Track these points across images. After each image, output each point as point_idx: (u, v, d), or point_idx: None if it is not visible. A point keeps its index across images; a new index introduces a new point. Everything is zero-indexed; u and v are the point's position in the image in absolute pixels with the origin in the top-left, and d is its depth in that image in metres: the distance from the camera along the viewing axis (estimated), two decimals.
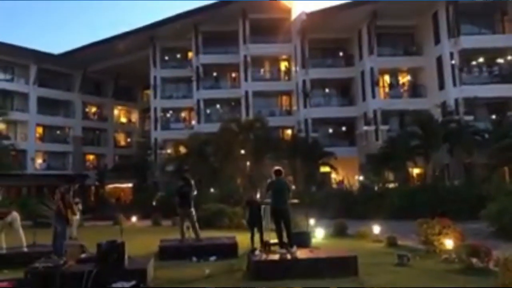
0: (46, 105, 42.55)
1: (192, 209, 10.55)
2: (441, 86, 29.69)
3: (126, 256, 7.22)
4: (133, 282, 6.83)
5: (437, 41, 30.22)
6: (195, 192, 10.70)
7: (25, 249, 9.71)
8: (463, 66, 29.19)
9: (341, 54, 36.18)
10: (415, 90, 33.07)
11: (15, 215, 9.78)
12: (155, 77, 39.66)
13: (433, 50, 30.66)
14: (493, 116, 29.01)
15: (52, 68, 42.59)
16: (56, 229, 8.08)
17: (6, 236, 9.92)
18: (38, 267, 6.73)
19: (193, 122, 38.35)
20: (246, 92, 35.60)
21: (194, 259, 9.64)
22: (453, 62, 28.70)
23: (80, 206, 15.12)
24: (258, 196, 10.17)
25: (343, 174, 29.90)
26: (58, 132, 44.71)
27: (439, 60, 29.83)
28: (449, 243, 9.10)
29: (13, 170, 32.81)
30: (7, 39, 65.13)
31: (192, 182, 10.69)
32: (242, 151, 29.09)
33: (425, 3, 29.87)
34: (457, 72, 28.58)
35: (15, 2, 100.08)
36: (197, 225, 10.58)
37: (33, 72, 41.48)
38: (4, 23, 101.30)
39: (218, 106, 38.55)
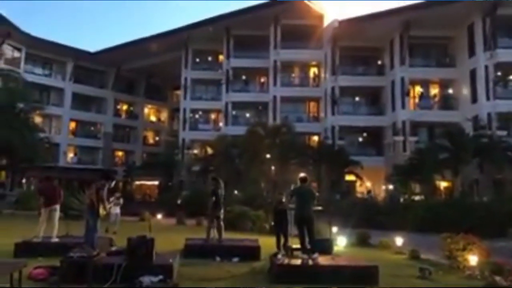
0: (79, 101, 44.10)
1: (222, 211, 10.81)
2: (474, 100, 29.11)
3: (154, 252, 7.52)
4: (160, 277, 7.10)
5: (472, 53, 29.67)
6: (223, 193, 10.94)
7: (56, 239, 10.16)
8: (498, 80, 28.52)
9: (372, 62, 35.92)
10: (446, 102, 32.54)
11: (56, 206, 10.27)
12: (185, 78, 40.43)
13: (467, 62, 30.11)
14: None
15: (87, 65, 44.14)
16: (88, 222, 8.45)
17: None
18: (73, 257, 7.09)
19: (221, 124, 38.86)
20: (274, 97, 35.82)
21: (218, 259, 9.87)
22: (487, 75, 28.08)
23: (121, 201, 15.59)
24: (284, 200, 10.32)
25: (369, 184, 29.63)
26: (90, 127, 46.15)
27: (473, 73, 29.28)
28: (473, 259, 9.01)
29: (47, 162, 34.03)
30: (45, 35, 67.46)
31: (222, 183, 10.92)
32: (268, 155, 29.25)
33: (461, 15, 29.37)
34: (491, 85, 27.98)
35: (54, 2, 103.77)
36: (222, 226, 10.82)
37: (69, 68, 43.13)
38: (45, 21, 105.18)
39: (246, 109, 38.90)
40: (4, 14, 36.01)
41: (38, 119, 37.48)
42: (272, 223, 16.50)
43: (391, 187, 27.90)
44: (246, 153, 29.58)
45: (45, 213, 10.21)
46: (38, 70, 42.16)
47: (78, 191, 22.80)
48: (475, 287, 7.95)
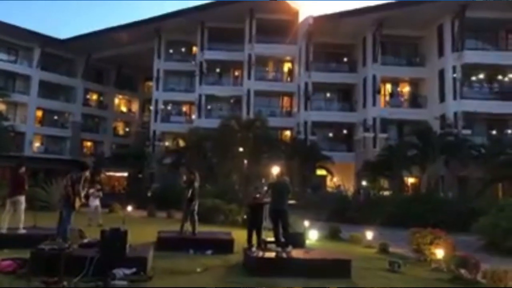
0: (47, 89, 42.70)
1: (196, 203, 10.76)
2: (442, 99, 30.01)
3: (128, 244, 7.42)
4: (133, 269, 7.02)
5: (441, 53, 30.54)
6: (195, 189, 10.87)
7: (24, 231, 9.85)
8: (464, 80, 29.51)
9: (345, 59, 36.40)
10: (416, 100, 33.39)
11: (19, 197, 9.90)
12: (158, 69, 39.79)
13: (436, 62, 30.97)
14: (492, 132, 29.40)
15: (55, 53, 42.69)
16: (61, 214, 8.25)
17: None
18: (44, 249, 6.90)
19: (193, 117, 38.51)
20: (248, 91, 35.78)
21: (191, 251, 9.85)
22: (455, 75, 29.02)
23: (101, 193, 15.27)
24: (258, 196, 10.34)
25: (339, 179, 30.16)
26: (57, 116, 44.80)
27: (441, 73, 30.15)
28: (439, 253, 9.35)
29: (11, 151, 32.85)
30: (13, 20, 64.88)
31: (198, 176, 10.85)
32: (241, 149, 29.26)
33: (431, 15, 30.12)
34: (458, 85, 28.93)
35: None
36: (196, 219, 10.78)
37: (36, 55, 41.61)
38: (11, 5, 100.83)
39: (219, 102, 38.71)
40: None
41: (2, 107, 36.11)
42: (245, 217, 16.60)
43: (361, 182, 28.47)
44: (218, 146, 29.49)
45: (9, 204, 9.83)
46: (3, 56, 40.45)
47: (45, 181, 22.19)
48: (442, 279, 8.28)
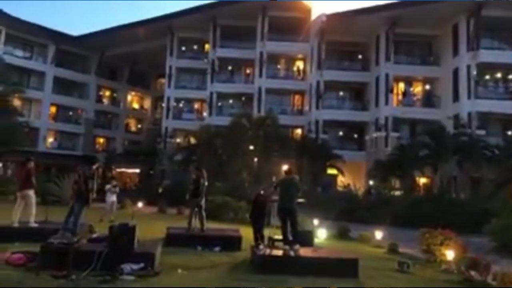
0: (61, 85, 43.12)
1: (203, 200, 10.79)
2: (456, 98, 29.60)
3: (136, 240, 7.46)
4: (141, 265, 7.07)
5: (456, 53, 30.11)
6: (206, 183, 10.91)
7: (35, 225, 9.96)
8: (479, 80, 29.06)
9: (357, 58, 36.12)
10: (429, 100, 32.99)
11: (28, 191, 9.98)
12: (170, 67, 39.96)
13: (451, 62, 30.55)
14: (507, 132, 28.92)
15: (70, 49, 43.11)
16: (73, 208, 8.30)
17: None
18: (53, 243, 6.98)
19: (205, 114, 38.62)
20: (259, 89, 35.74)
21: (199, 248, 9.88)
22: (469, 75, 28.58)
23: (117, 189, 15.19)
24: (262, 192, 10.33)
25: (350, 178, 29.97)
26: (71, 112, 45.25)
27: (456, 72, 29.74)
28: (450, 254, 9.24)
29: (25, 147, 33.27)
30: (28, 17, 65.72)
31: (205, 173, 10.88)
32: (251, 147, 29.25)
33: (446, 14, 29.71)
34: (472, 85, 28.50)
35: None
36: (204, 216, 10.81)
37: (51, 51, 42.09)
38: (26, 2, 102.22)
39: (230, 100, 38.75)
40: None
41: (17, 103, 36.55)
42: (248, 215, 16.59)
43: (371, 182, 28.26)
44: (229, 143, 29.50)
45: (19, 198, 9.97)
46: (18, 52, 40.98)
47: (57, 176, 22.46)
48: (452, 280, 8.17)
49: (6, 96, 30.91)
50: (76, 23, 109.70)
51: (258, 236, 9.20)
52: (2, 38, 38.66)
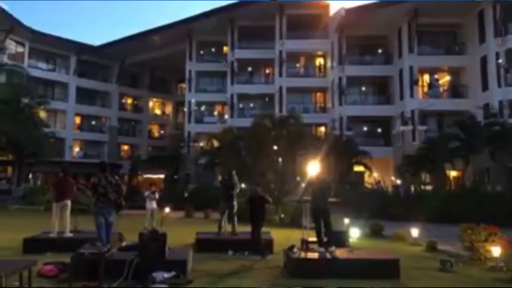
0: (84, 95, 43.90)
1: (235, 203, 10.58)
2: (485, 87, 28.55)
3: (166, 247, 7.26)
4: (173, 273, 6.86)
5: (482, 40, 29.06)
6: (238, 189, 10.67)
7: (70, 234, 10.00)
8: (509, 67, 27.92)
9: (379, 51, 35.32)
10: (456, 90, 32.00)
11: (67, 201, 10.10)
12: (190, 71, 40.06)
13: (477, 50, 29.52)
14: None
15: (91, 59, 43.83)
16: (107, 218, 8.15)
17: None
18: (84, 253, 6.85)
19: (226, 117, 38.53)
20: (280, 88, 35.42)
21: (230, 252, 9.64)
22: (499, 62, 27.52)
23: (157, 196, 14.57)
24: (260, 190, 10.03)
25: (377, 174, 29.27)
26: (95, 121, 45.98)
27: (483, 60, 28.70)
28: (496, 250, 8.68)
29: (52, 157, 33.94)
30: (51, 30, 67.27)
31: (236, 177, 10.62)
32: (275, 147, 28.91)
33: (470, 1, 28.72)
34: (502, 72, 27.41)
35: None
36: (235, 219, 10.59)
37: (73, 62, 42.90)
38: (48, 15, 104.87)
39: (251, 101, 38.54)
40: (7, 9, 35.78)
41: (42, 114, 37.35)
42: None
43: (398, 178, 27.52)
44: (252, 145, 29.24)
45: (56, 208, 10.04)
46: (42, 65, 41.92)
47: (85, 185, 22.67)
48: (501, 279, 7.66)
49: (32, 108, 31.61)
50: (96, 33, 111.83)
51: (257, 237, 9.16)
52: (26, 52, 39.57)
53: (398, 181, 27.42)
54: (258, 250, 9.28)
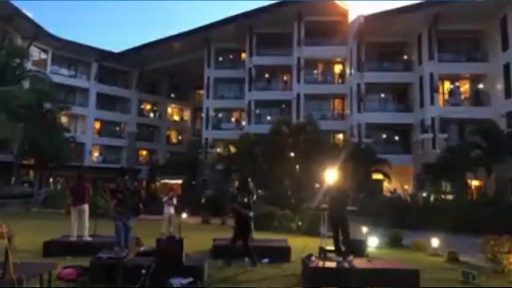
0: (104, 101, 44.66)
1: (251, 212, 10.46)
2: (507, 95, 27.93)
3: (183, 253, 7.26)
4: (190, 279, 6.83)
5: (505, 47, 28.44)
6: (255, 198, 10.50)
7: (89, 238, 10.15)
8: None
9: (398, 58, 34.94)
10: (478, 98, 31.38)
11: (85, 205, 10.28)
12: (208, 77, 40.39)
13: (500, 57, 28.93)
14: None
15: (111, 66, 44.65)
16: (125, 223, 8.23)
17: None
18: (102, 258, 6.91)
19: (244, 123, 38.62)
20: (298, 95, 35.35)
21: (247, 260, 9.56)
22: None
23: (174, 201, 14.54)
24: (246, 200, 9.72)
25: (397, 183, 28.83)
26: (114, 127, 46.66)
27: (507, 67, 28.08)
28: None
29: (73, 161, 34.52)
30: (73, 37, 68.72)
31: (251, 185, 10.40)
32: (292, 154, 28.81)
33: (492, 7, 28.23)
34: None
35: (78, 2, 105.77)
36: (252, 226, 10.48)
37: (94, 69, 43.73)
38: (70, 22, 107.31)
39: (269, 108, 38.55)
40: (31, 16, 36.73)
41: (64, 119, 38.11)
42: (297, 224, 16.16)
43: (421, 186, 27.03)
44: (269, 151, 29.19)
45: (74, 212, 10.25)
46: (64, 71, 42.85)
47: (104, 190, 22.94)
48: None
49: (54, 113, 32.28)
50: (116, 40, 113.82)
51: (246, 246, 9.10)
52: (49, 58, 40.53)
53: (422, 188, 26.86)
54: (251, 259, 9.17)
